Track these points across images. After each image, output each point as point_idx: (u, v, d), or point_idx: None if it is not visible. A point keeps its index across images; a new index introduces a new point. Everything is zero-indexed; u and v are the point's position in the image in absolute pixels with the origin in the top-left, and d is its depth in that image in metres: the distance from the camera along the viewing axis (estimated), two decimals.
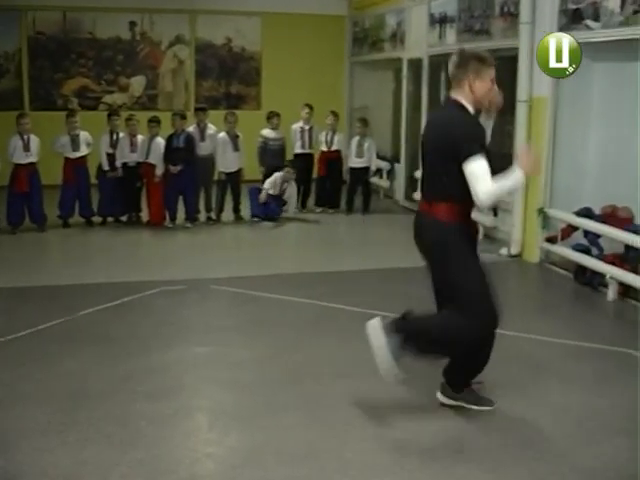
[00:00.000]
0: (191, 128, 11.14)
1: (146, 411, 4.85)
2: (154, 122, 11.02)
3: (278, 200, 11.42)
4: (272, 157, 11.75)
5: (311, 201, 12.54)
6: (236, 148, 11.33)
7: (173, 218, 11.00)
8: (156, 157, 10.80)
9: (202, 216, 11.37)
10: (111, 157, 11.05)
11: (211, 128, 11.37)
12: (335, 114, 12.45)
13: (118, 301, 7.20)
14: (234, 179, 11.39)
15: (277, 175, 11.37)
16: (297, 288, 7.71)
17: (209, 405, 5.06)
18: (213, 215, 11.45)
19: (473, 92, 4.47)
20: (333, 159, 12.36)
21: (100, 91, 15.27)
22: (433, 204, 4.63)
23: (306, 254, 9.69)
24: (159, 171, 10.81)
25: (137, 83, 15.47)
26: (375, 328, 4.60)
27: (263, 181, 11.49)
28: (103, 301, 7.17)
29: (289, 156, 12.18)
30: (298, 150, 12.33)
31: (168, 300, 7.30)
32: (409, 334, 4.59)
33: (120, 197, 11.09)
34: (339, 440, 4.48)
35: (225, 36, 15.69)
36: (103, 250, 9.91)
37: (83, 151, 10.99)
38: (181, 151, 10.72)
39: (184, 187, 10.88)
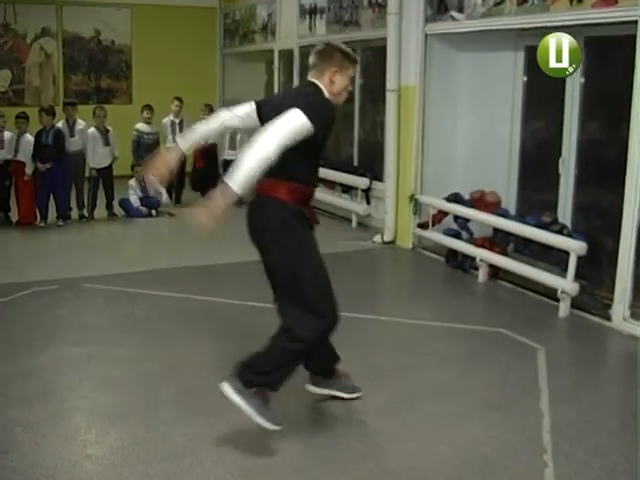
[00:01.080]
0: (60, 124, 10.86)
1: (20, 416, 4.72)
2: (22, 118, 10.69)
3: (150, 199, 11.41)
4: (146, 151, 11.57)
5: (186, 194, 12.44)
6: (107, 143, 11.14)
7: (44, 217, 10.69)
8: (25, 154, 10.48)
9: (74, 214, 11.11)
10: None
11: (80, 123, 11.10)
12: (209, 107, 12.38)
13: None
14: (106, 175, 11.19)
15: (130, 182, 11.38)
16: (172, 283, 7.64)
17: (86, 406, 4.96)
18: (86, 212, 11.20)
19: (332, 84, 4.34)
20: (209, 151, 12.28)
21: None
22: (274, 183, 4.17)
23: (181, 249, 9.57)
24: (29, 169, 10.48)
25: (2, 78, 14.94)
26: (229, 393, 4.24)
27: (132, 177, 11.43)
28: None
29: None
30: (170, 144, 12.19)
31: (40, 301, 7.11)
32: (255, 376, 4.26)
33: None
34: (218, 433, 4.48)
35: (94, 28, 15.31)
36: None
37: None
38: (50, 148, 10.44)
39: (55, 185, 10.59)
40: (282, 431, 4.28)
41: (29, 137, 10.56)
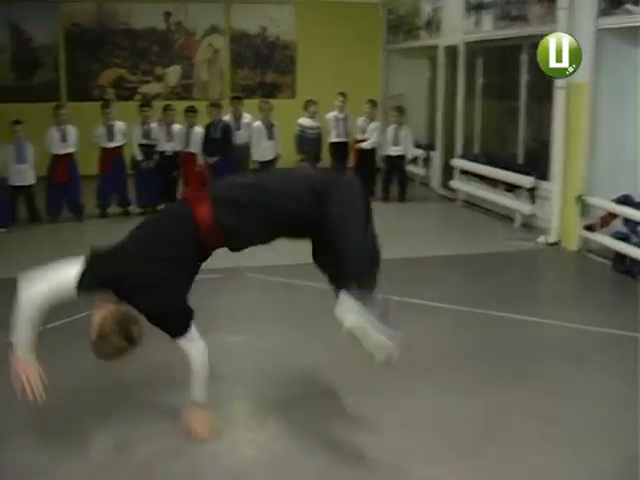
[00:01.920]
0: (227, 117, 11.17)
1: (184, 399, 4.85)
2: (191, 112, 11.07)
3: None
4: (309, 145, 11.76)
5: None
6: (271, 137, 11.35)
7: None
8: (196, 146, 10.86)
9: None
10: (144, 147, 11.09)
11: (246, 117, 11.40)
12: (372, 102, 12.39)
13: None
14: (269, 168, 11.39)
15: None
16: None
17: (247, 393, 5.07)
18: None
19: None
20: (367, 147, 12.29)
21: (136, 81, 15.36)
22: None
23: None
24: (200, 161, 10.84)
25: (172, 73, 15.53)
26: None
27: None
28: None
29: (326, 145, 12.24)
30: (334, 139, 12.30)
31: (204, 289, 7.26)
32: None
33: (156, 187, 11.14)
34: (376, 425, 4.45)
35: (260, 25, 15.67)
36: None
37: (118, 141, 11.06)
38: (218, 141, 10.76)
39: (221, 176, 10.86)
40: None
41: (199, 129, 10.93)
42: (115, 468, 4.08)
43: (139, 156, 11.08)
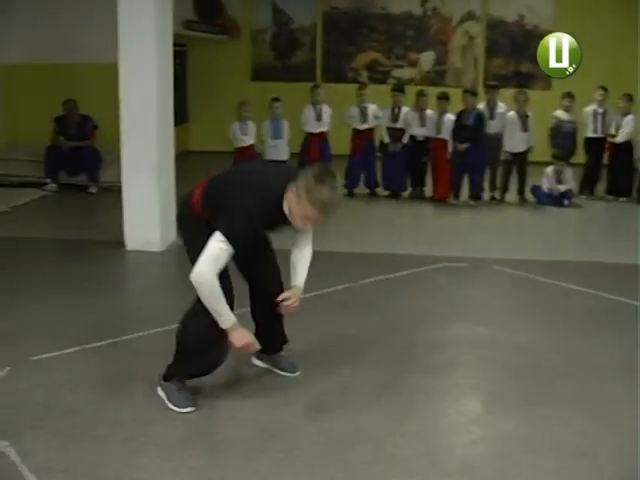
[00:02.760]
0: (481, 106, 10.99)
1: (422, 385, 4.82)
2: (443, 98, 10.97)
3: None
4: (564, 139, 11.35)
5: (601, 189, 11.94)
6: (525, 128, 11.04)
7: (457, 195, 10.94)
8: (447, 133, 10.78)
9: (486, 195, 11.19)
10: (393, 131, 11.12)
11: (501, 107, 11.15)
12: (628, 96, 11.73)
13: (398, 273, 7.24)
14: (521, 159, 11.13)
15: (546, 169, 11.10)
16: (581, 276, 7.34)
17: (484, 387, 4.94)
18: (497, 195, 11.25)
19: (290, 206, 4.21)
20: (621, 144, 11.65)
21: (390, 65, 15.49)
22: None
23: (590, 242, 9.26)
24: (450, 147, 10.77)
25: (426, 58, 15.50)
26: None
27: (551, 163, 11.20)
28: (384, 272, 7.24)
29: (581, 139, 11.76)
30: (590, 134, 11.77)
31: (449, 277, 7.24)
32: None
33: (403, 171, 11.17)
34: (618, 440, 4.19)
35: (517, 13, 15.28)
36: (386, 222, 10.02)
37: (371, 123, 11.18)
38: (470, 129, 10.59)
39: (471, 165, 10.75)
40: None
41: (451, 116, 10.82)
42: None
43: (387, 139, 11.15)
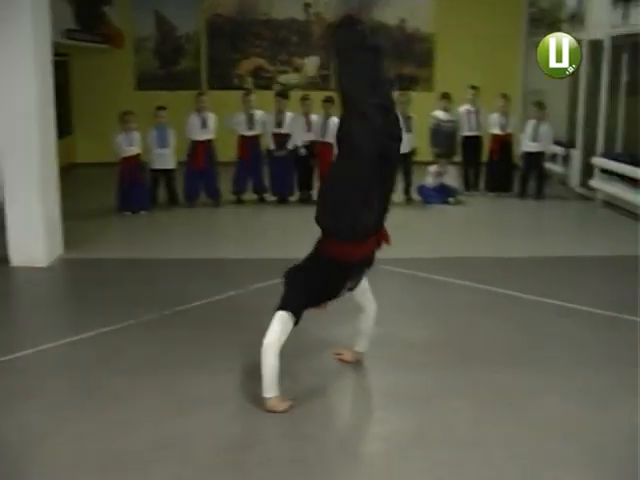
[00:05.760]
0: None
1: (317, 387, 4.88)
2: (329, 102, 11.09)
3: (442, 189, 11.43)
4: (444, 138, 11.66)
5: (482, 185, 12.34)
6: (408, 129, 11.24)
7: None
8: (333, 136, 10.84)
9: None
10: (277, 137, 11.20)
11: None
12: (505, 97, 12.18)
13: None
14: (405, 160, 11.33)
15: (429, 168, 11.46)
16: (466, 272, 7.59)
17: (379, 385, 5.05)
18: None
19: None
20: (504, 142, 12.10)
21: (274, 71, 15.58)
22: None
23: (475, 238, 9.52)
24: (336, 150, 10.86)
25: (311, 63, 15.64)
26: None
27: (434, 163, 11.52)
28: (274, 276, 7.24)
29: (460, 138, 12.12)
30: (466, 132, 12.16)
31: None
32: None
33: (290, 176, 11.27)
34: (507, 429, 4.37)
35: (398, 17, 15.59)
36: (274, 227, 10.08)
37: (258, 130, 11.22)
38: None
39: None
40: None
41: (336, 120, 10.89)
42: None
43: (272, 145, 11.21)
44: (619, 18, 11.15)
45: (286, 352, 4.47)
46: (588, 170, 12.00)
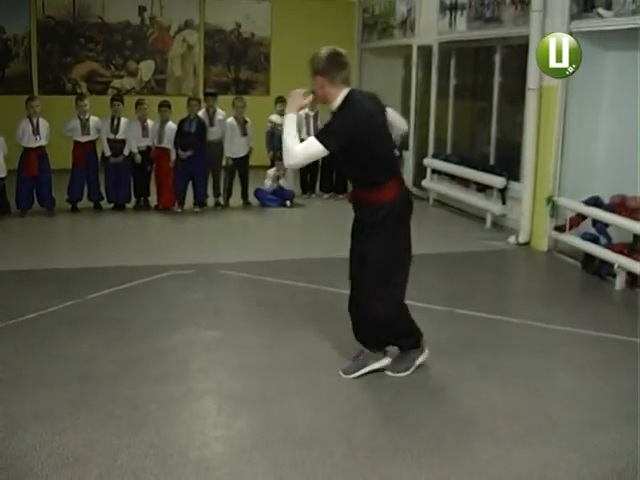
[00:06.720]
0: (200, 113, 11.14)
1: (156, 394, 4.87)
2: (165, 107, 11.03)
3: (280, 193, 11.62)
4: (280, 142, 11.75)
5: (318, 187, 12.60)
6: (244, 133, 11.35)
7: (182, 203, 11.04)
8: (170, 142, 10.83)
9: (210, 201, 11.40)
10: (113, 142, 11.03)
11: (220, 113, 11.38)
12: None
13: (127, 285, 7.23)
14: (242, 164, 11.42)
15: (268, 171, 11.62)
16: (304, 274, 7.73)
17: (218, 388, 5.07)
18: (221, 200, 11.48)
19: None
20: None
21: (109, 75, 15.28)
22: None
23: (311, 240, 9.68)
24: (173, 156, 10.83)
25: (146, 68, 15.47)
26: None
27: (271, 166, 11.63)
28: (111, 284, 7.20)
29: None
30: (304, 136, 12.30)
31: (177, 284, 7.33)
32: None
33: (126, 182, 11.11)
34: (346, 425, 4.50)
35: (234, 21, 15.66)
36: (112, 234, 9.89)
37: (93, 135, 11.00)
38: (192, 136, 10.74)
39: (194, 172, 10.91)
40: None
41: (172, 125, 10.90)
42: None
43: (107, 151, 11.03)
44: (446, 25, 11.63)
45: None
46: (420, 171, 12.43)
